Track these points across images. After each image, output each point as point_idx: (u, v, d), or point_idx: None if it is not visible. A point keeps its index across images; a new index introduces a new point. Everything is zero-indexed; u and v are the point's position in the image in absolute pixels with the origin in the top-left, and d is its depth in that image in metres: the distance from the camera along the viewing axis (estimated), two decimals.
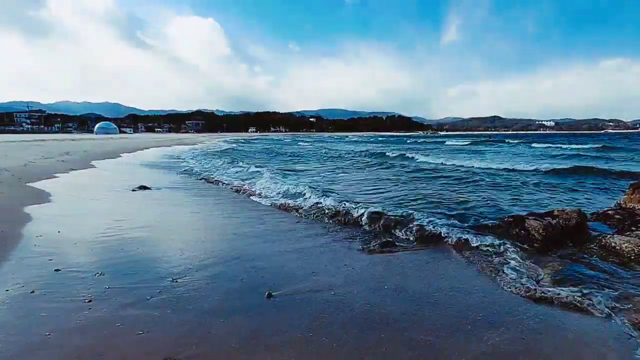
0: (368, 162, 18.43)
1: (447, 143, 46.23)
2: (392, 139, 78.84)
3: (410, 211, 5.95)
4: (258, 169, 13.20)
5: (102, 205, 6.92)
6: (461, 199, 7.58)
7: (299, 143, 48.33)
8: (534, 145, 35.43)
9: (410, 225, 5.29)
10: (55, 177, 10.32)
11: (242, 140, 58.21)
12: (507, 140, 46.61)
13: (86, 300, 3.07)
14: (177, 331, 2.66)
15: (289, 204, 7.12)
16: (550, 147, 31.91)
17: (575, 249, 4.50)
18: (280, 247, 4.70)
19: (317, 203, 6.97)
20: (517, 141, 44.41)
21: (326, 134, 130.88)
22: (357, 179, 11.79)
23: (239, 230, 5.43)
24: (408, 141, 58.62)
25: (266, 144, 45.99)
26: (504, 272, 3.85)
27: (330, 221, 5.97)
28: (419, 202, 7.42)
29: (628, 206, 6.16)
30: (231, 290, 3.37)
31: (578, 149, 28.40)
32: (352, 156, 22.51)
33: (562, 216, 5.24)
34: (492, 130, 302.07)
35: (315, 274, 3.82)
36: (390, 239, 4.92)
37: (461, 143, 44.13)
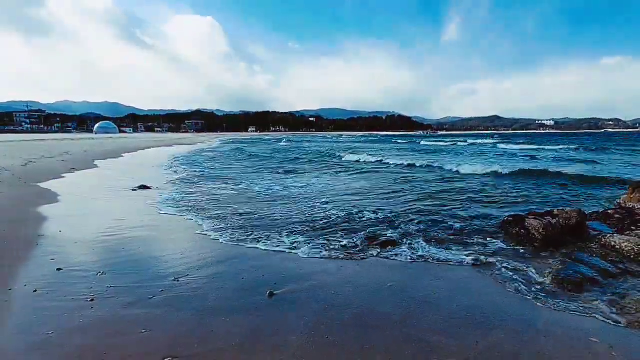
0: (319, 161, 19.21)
1: (421, 143, 46.95)
2: (382, 138, 79.37)
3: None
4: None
5: (103, 205, 6.93)
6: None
7: (279, 143, 48.44)
8: (501, 146, 34.91)
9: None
10: (55, 177, 10.33)
11: (230, 141, 58.01)
12: (472, 142, 45.49)
13: (88, 300, 3.09)
14: (179, 330, 2.67)
15: None
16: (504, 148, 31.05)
17: (575, 249, 4.51)
18: (281, 246, 4.71)
19: None
20: (493, 141, 45.24)
21: (319, 134, 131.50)
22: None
23: (239, 230, 5.44)
24: (392, 140, 60.35)
25: (250, 144, 45.67)
26: (502, 273, 3.87)
27: None
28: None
29: (628, 205, 6.17)
30: (232, 290, 3.38)
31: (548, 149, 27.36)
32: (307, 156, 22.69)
33: (562, 215, 5.25)
34: (491, 130, 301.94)
35: (316, 273, 3.83)
36: (392, 239, 4.93)
37: (434, 143, 44.53)
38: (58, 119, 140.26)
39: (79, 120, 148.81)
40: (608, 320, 2.89)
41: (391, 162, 17.44)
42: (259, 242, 4.80)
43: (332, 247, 4.65)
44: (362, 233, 5.21)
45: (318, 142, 51.41)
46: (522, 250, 4.49)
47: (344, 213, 6.37)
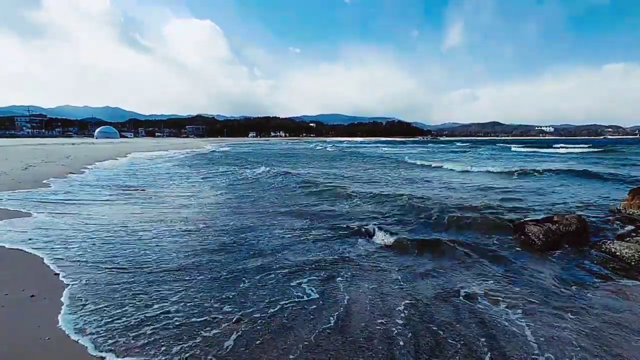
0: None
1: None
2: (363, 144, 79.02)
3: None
4: None
5: (102, 207, 6.91)
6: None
7: (264, 148, 48.33)
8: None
9: None
10: (55, 179, 10.34)
11: (221, 145, 58.09)
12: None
13: (87, 304, 3.07)
14: (177, 336, 2.66)
15: None
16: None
17: (575, 255, 4.49)
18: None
19: None
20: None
21: (310, 139, 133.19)
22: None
23: (236, 237, 5.43)
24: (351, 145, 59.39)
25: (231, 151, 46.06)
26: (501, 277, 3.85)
27: None
28: None
29: (628, 212, 6.18)
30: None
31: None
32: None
33: (562, 222, 5.25)
34: (491, 136, 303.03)
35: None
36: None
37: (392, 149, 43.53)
38: (59, 124, 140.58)
39: (80, 125, 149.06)
40: (608, 327, 2.87)
41: None
42: None
43: None
44: None
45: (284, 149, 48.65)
46: (522, 256, 4.47)
47: None
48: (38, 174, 11.41)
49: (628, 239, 4.70)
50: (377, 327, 2.82)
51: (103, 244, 4.73)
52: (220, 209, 7.28)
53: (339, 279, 3.78)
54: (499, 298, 3.38)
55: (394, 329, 2.80)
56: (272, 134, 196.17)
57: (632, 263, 4.11)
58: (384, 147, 54.86)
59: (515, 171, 13.99)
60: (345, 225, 5.85)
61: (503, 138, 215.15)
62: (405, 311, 3.09)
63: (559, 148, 38.72)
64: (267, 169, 15.43)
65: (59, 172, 12.43)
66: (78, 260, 4.08)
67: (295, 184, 10.78)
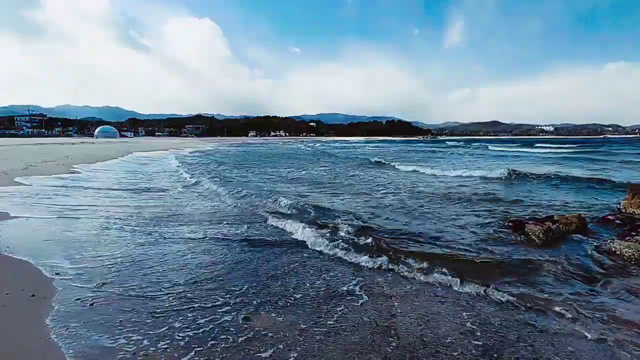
0: None
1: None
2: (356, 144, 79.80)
3: None
4: None
5: (102, 207, 6.92)
6: None
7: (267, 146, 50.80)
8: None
9: None
10: (54, 180, 10.35)
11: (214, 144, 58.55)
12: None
13: (88, 304, 3.07)
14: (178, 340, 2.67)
15: None
16: None
17: (575, 254, 4.49)
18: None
19: None
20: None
21: (308, 139, 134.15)
22: None
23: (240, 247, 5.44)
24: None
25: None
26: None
27: None
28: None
29: (628, 211, 6.19)
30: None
31: None
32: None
33: (562, 221, 5.26)
34: (491, 135, 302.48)
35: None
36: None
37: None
38: (59, 123, 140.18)
39: (80, 125, 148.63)
40: (607, 326, 2.88)
41: None
42: None
43: None
44: None
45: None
46: (520, 255, 4.47)
47: None
48: (37, 174, 11.41)
49: (628, 238, 4.70)
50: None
51: (103, 245, 4.73)
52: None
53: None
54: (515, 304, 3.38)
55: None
56: (272, 133, 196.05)
57: (633, 262, 4.11)
58: (369, 146, 56.26)
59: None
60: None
61: (502, 137, 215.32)
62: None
63: (540, 148, 40.28)
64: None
65: (59, 172, 12.43)
66: (77, 262, 4.09)
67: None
